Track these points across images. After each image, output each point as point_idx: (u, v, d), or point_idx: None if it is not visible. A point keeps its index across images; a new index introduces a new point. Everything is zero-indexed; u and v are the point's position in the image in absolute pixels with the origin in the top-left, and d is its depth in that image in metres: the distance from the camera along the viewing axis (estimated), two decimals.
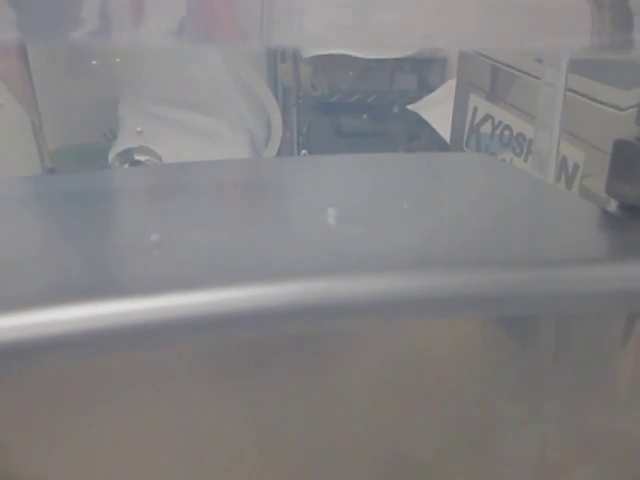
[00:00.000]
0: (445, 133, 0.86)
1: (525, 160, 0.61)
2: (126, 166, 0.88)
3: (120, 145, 1.01)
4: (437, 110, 0.99)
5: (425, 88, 1.24)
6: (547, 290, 0.23)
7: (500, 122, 0.66)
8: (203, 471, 0.22)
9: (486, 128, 0.69)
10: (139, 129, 0.99)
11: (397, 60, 1.26)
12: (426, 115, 1.03)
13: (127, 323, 0.19)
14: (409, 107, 1.09)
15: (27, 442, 0.20)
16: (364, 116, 1.30)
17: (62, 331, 0.19)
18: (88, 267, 0.23)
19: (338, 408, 0.22)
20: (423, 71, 1.29)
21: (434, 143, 0.98)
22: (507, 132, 0.65)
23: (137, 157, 0.90)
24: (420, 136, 1.15)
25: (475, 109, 0.72)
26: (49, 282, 0.21)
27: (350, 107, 1.29)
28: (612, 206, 0.29)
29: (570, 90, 0.51)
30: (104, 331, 0.19)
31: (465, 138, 0.74)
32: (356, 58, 1.20)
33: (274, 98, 1.14)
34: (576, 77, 0.52)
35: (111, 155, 0.99)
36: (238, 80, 1.13)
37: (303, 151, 1.21)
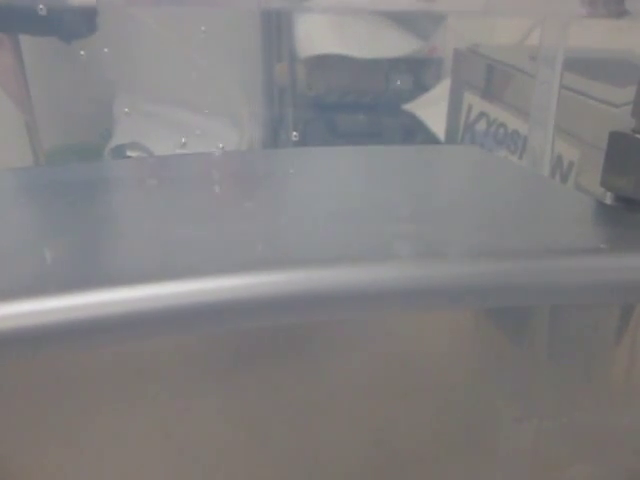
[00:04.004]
0: (440, 132, 0.86)
1: (520, 157, 0.61)
2: None
3: (115, 143, 1.01)
4: (432, 109, 0.99)
5: (421, 88, 1.24)
6: (542, 281, 0.22)
7: (495, 119, 0.66)
8: (195, 467, 0.22)
9: (481, 126, 0.69)
10: (126, 110, 0.99)
11: (393, 60, 1.26)
12: (421, 114, 1.04)
13: (115, 313, 0.19)
14: (404, 107, 1.09)
15: (15, 439, 0.20)
16: (360, 116, 1.30)
17: (50, 321, 0.19)
18: (70, 258, 0.23)
19: (330, 403, 0.22)
20: (419, 71, 1.30)
21: (429, 142, 0.98)
22: (502, 129, 0.65)
23: (129, 153, 0.90)
24: (416, 135, 1.15)
25: (470, 107, 0.72)
26: (34, 273, 0.21)
27: (346, 107, 1.29)
28: (607, 200, 0.29)
29: (565, 88, 0.51)
30: (93, 321, 0.19)
31: (460, 136, 0.74)
32: (352, 58, 1.20)
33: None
34: (571, 75, 0.52)
35: (106, 152, 0.99)
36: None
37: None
